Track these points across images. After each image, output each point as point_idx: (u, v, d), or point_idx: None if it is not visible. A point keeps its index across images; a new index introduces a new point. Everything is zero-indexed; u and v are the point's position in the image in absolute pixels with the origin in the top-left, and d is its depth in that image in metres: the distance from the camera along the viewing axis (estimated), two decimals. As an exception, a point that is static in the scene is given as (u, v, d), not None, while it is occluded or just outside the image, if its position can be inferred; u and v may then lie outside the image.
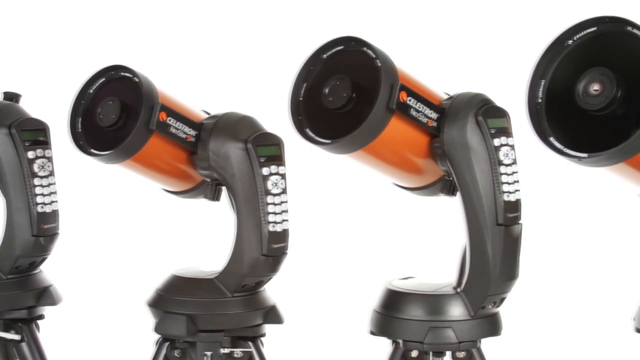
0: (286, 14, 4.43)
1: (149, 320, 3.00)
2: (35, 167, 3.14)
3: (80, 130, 2.89)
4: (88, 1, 4.53)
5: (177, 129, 2.85)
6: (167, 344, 2.99)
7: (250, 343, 3.00)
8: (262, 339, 3.03)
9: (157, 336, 3.01)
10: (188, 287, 2.95)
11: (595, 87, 2.59)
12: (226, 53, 4.40)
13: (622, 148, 2.52)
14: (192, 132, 2.89)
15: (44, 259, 3.23)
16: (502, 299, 2.83)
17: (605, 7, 2.68)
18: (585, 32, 2.62)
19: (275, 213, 2.87)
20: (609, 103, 2.57)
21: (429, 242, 3.81)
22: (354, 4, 4.39)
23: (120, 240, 4.38)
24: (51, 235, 3.20)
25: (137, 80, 2.83)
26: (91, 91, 2.91)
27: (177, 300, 2.94)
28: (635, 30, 2.55)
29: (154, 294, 3.00)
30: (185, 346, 2.98)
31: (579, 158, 2.58)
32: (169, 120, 2.83)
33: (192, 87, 3.31)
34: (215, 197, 2.98)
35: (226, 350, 2.97)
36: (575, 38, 2.63)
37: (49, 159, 3.18)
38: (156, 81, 2.86)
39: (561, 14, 3.91)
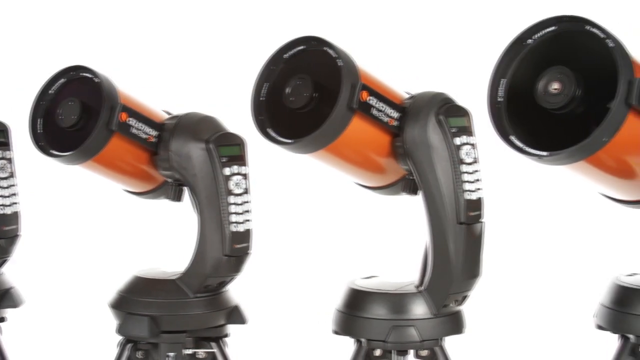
0: (248, 14, 4.43)
1: (112, 321, 2.99)
2: (-5, 169, 3.12)
3: (40, 131, 2.88)
4: (48, 1, 4.50)
5: (138, 129, 2.84)
6: (130, 345, 2.98)
7: (213, 344, 2.99)
8: (225, 339, 3.02)
9: (119, 338, 2.99)
10: (150, 288, 2.94)
11: (554, 86, 2.60)
12: (187, 53, 4.39)
13: (582, 146, 2.54)
14: (154, 133, 2.88)
15: (4, 261, 3.21)
16: (465, 297, 2.84)
17: (570, 7, 2.70)
18: (545, 31, 2.64)
19: (237, 213, 2.87)
20: (569, 102, 2.58)
21: (391, 241, 3.82)
22: (316, 4, 4.39)
23: (82, 241, 4.36)
24: (12, 237, 3.18)
25: (97, 80, 2.82)
26: (51, 92, 2.89)
27: (139, 302, 2.93)
28: (594, 30, 2.57)
29: (116, 295, 2.99)
30: (148, 347, 2.97)
31: (540, 156, 2.59)
32: (130, 120, 2.82)
33: (153, 88, 3.29)
34: (177, 197, 2.97)
35: (189, 351, 2.96)
36: (535, 37, 2.64)
37: (10, 160, 3.16)
38: (117, 81, 2.85)
39: (522, 13, 3.93)
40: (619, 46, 2.54)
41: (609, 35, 2.55)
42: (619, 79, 2.52)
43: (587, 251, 4.12)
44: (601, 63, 2.58)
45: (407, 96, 2.81)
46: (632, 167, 2.73)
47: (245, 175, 2.89)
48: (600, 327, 2.92)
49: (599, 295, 2.94)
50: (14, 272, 3.27)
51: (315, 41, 2.70)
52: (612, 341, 2.93)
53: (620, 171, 2.73)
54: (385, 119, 2.72)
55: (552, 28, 2.63)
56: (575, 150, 2.55)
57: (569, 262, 4.17)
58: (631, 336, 2.85)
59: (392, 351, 2.84)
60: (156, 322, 2.91)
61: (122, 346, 2.99)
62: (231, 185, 2.86)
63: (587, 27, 2.58)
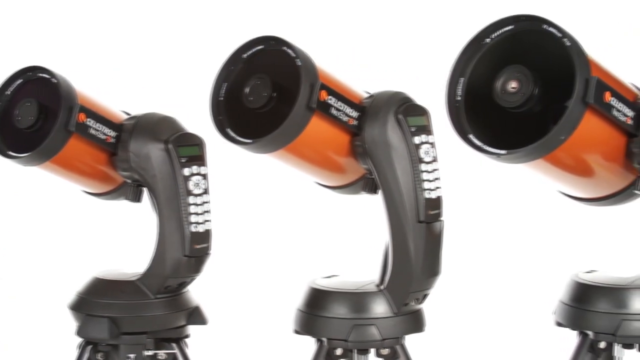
0: (207, 14, 4.41)
1: (72, 323, 2.97)
2: (-48, 170, 3.10)
3: (-2, 132, 2.85)
4: (4, 2, 4.47)
5: (97, 130, 2.83)
6: (90, 347, 2.96)
7: (174, 344, 2.98)
8: (186, 340, 3.02)
9: (79, 340, 2.98)
10: (110, 289, 2.93)
11: (512, 85, 2.62)
12: (146, 53, 4.37)
13: (540, 145, 2.56)
14: (112, 133, 2.87)
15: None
16: (425, 296, 2.84)
17: (570, 7, 2.72)
18: (502, 30, 2.65)
19: (197, 213, 2.86)
20: (527, 100, 2.60)
21: (352, 240, 3.82)
22: (275, 4, 4.39)
23: (41, 243, 4.33)
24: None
25: (55, 81, 2.80)
26: (8, 92, 2.87)
27: (99, 303, 2.91)
28: (551, 29, 2.58)
29: (75, 297, 2.97)
30: (108, 349, 2.96)
31: (498, 155, 2.61)
32: (88, 121, 2.80)
33: (112, 88, 3.28)
34: (137, 198, 2.96)
35: (150, 353, 2.95)
36: (493, 36, 2.65)
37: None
38: (75, 82, 2.83)
39: (481, 13, 3.94)
40: (575, 45, 2.56)
41: (565, 34, 2.57)
42: (576, 78, 2.54)
43: (546, 249, 4.15)
44: (558, 62, 2.59)
45: (366, 95, 2.82)
46: (590, 165, 2.75)
47: (204, 176, 2.88)
48: (559, 324, 2.94)
49: (558, 292, 2.96)
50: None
51: (273, 41, 2.70)
52: (571, 338, 2.95)
53: (578, 169, 2.75)
54: (345, 119, 2.72)
55: (510, 27, 2.64)
56: (533, 148, 2.56)
57: (529, 260, 4.19)
58: (590, 333, 2.87)
59: (353, 350, 2.84)
60: (116, 323, 2.89)
61: (82, 348, 2.97)
62: (190, 185, 2.86)
63: (544, 26, 2.59)
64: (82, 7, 4.45)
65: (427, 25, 4.30)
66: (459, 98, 2.66)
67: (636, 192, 2.82)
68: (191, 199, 2.86)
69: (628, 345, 2.87)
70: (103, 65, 4.30)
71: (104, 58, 4.35)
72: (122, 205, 3.03)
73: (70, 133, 2.78)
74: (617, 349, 2.88)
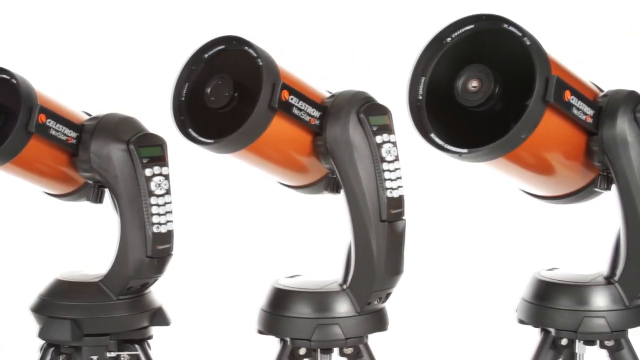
0: (168, 13, 4.40)
1: (33, 325, 2.95)
2: None
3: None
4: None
5: (57, 130, 2.81)
6: (52, 349, 2.94)
7: (137, 346, 2.97)
8: (149, 341, 3.00)
9: (41, 342, 2.96)
10: (72, 291, 2.91)
11: (473, 84, 2.63)
12: (107, 53, 4.35)
13: (501, 143, 2.57)
14: (73, 134, 2.85)
15: None
16: (388, 295, 2.85)
17: (571, 6, 2.71)
18: (463, 29, 2.66)
19: (159, 214, 2.85)
20: (487, 99, 2.61)
21: (315, 240, 3.82)
22: (237, 4, 4.38)
23: (2, 245, 4.30)
24: None
25: (14, 82, 2.78)
26: (-34, 94, 2.84)
27: (61, 305, 2.90)
28: (511, 28, 2.60)
29: (37, 299, 2.95)
30: (70, 351, 2.94)
31: (460, 154, 2.62)
32: (49, 122, 2.78)
33: (72, 89, 3.26)
34: (98, 199, 2.94)
35: (112, 354, 2.93)
36: (453, 36, 2.67)
37: None
38: (35, 83, 2.81)
39: (442, 13, 3.95)
40: (535, 44, 2.58)
41: (525, 34, 2.58)
42: (536, 77, 2.55)
43: (508, 247, 4.17)
44: (519, 61, 2.61)
45: (328, 95, 2.82)
46: (551, 164, 2.77)
47: (166, 176, 2.87)
48: (521, 322, 2.96)
49: (520, 289, 2.98)
50: None
51: (235, 41, 2.70)
52: (533, 335, 2.97)
53: (540, 167, 2.77)
54: (307, 118, 2.72)
55: (470, 26, 2.65)
56: (494, 147, 2.58)
57: (491, 258, 4.21)
58: (552, 330, 2.89)
59: (317, 350, 2.84)
60: (78, 325, 2.88)
61: (44, 350, 2.95)
62: (152, 186, 2.84)
63: (505, 26, 2.61)
64: (42, 7, 4.42)
65: (387, 25, 4.31)
66: (420, 97, 2.67)
67: (597, 190, 2.84)
68: (153, 200, 2.84)
69: (589, 342, 2.89)
70: (63, 66, 4.28)
71: (64, 58, 4.33)
72: (84, 206, 3.02)
73: (30, 134, 2.76)
74: (579, 346, 2.90)
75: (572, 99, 2.63)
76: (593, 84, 2.82)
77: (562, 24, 4.17)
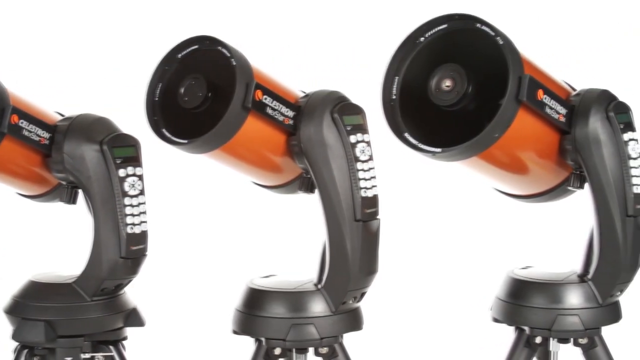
0: (142, 13, 4.39)
1: (7, 327, 2.94)
2: None
3: None
4: None
5: (30, 131, 2.80)
6: (25, 351, 2.93)
7: (111, 347, 2.96)
8: (123, 342, 3.00)
9: (15, 344, 2.95)
10: (46, 292, 2.90)
11: (446, 83, 2.64)
12: (80, 54, 4.33)
13: (474, 142, 2.58)
14: (46, 135, 2.84)
15: None
16: (363, 294, 2.85)
17: (570, 6, 2.71)
18: (436, 29, 2.67)
19: (133, 215, 2.84)
20: (461, 99, 2.62)
21: (289, 240, 3.82)
22: (275, 4, 4.37)
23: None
24: None
25: (-13, 82, 2.77)
26: (-61, 94, 2.82)
27: (34, 306, 2.88)
28: (484, 27, 2.60)
29: (10, 300, 2.94)
30: (44, 353, 2.92)
31: (433, 153, 2.62)
32: (21, 122, 2.77)
33: (45, 89, 3.25)
34: (72, 200, 2.93)
35: (87, 356, 2.92)
36: (427, 35, 2.67)
37: None
38: (6, 83, 2.80)
39: (415, 13, 3.96)
40: (508, 43, 2.59)
41: (498, 33, 2.59)
42: (509, 76, 2.56)
43: (482, 245, 4.18)
44: (492, 60, 2.62)
45: (302, 95, 2.82)
46: (524, 162, 2.78)
47: (140, 177, 2.86)
48: (496, 320, 2.97)
49: (495, 288, 2.99)
50: None
51: (208, 40, 2.69)
52: (507, 333, 2.98)
53: (513, 166, 2.78)
54: (280, 118, 2.72)
55: (443, 26, 2.66)
56: (467, 146, 2.58)
57: (465, 257, 4.22)
58: (526, 328, 2.91)
59: (292, 350, 2.84)
60: (52, 326, 2.87)
61: (18, 352, 2.94)
62: (126, 186, 2.83)
63: (478, 25, 2.61)
64: (14, 7, 4.41)
65: (361, 24, 4.32)
66: (394, 97, 2.67)
67: (570, 188, 2.86)
68: (127, 200, 2.83)
69: (563, 340, 2.91)
70: (36, 66, 4.26)
71: (36, 58, 4.31)
72: (57, 207, 3.00)
73: (2, 135, 2.74)
74: (553, 344, 2.92)
75: (545, 98, 2.65)
76: (566, 83, 2.84)
77: (562, 24, 4.18)
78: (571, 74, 2.81)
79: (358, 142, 2.77)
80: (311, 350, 2.86)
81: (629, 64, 4.17)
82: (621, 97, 2.81)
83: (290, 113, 2.75)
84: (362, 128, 2.79)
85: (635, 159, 2.78)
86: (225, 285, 3.15)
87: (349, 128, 2.76)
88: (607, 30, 4.19)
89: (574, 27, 4.20)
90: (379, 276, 2.85)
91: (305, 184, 2.85)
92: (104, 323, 2.91)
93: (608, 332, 2.92)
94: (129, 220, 2.83)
